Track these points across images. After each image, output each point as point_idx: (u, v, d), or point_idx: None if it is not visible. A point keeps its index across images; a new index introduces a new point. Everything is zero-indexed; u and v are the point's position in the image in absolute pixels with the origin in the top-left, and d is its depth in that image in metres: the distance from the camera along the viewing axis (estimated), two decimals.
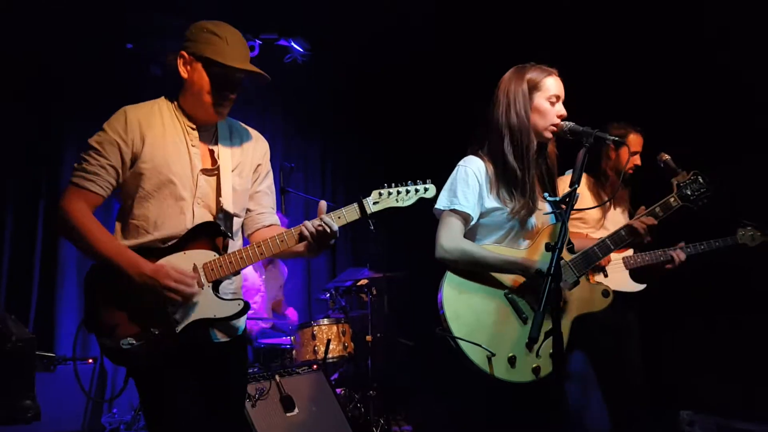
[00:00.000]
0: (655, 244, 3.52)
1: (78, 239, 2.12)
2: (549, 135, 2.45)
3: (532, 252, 2.41)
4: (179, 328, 2.10)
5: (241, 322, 2.33)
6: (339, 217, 2.23)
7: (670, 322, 4.33)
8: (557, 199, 2.21)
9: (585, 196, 3.54)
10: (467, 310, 2.30)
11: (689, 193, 2.86)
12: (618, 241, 2.76)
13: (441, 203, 2.44)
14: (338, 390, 4.56)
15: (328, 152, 6.91)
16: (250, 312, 2.32)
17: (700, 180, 2.87)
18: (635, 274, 3.51)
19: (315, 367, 4.33)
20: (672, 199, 2.88)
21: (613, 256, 3.44)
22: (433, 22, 5.34)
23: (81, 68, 5.29)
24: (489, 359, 2.22)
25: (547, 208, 2.45)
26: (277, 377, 3.93)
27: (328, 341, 4.55)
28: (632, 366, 3.50)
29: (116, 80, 5.45)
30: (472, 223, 2.43)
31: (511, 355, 2.25)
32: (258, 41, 5.61)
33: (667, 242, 3.50)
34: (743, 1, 4.02)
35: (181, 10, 5.22)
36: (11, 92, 5.04)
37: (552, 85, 2.44)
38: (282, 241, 2.19)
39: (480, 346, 2.21)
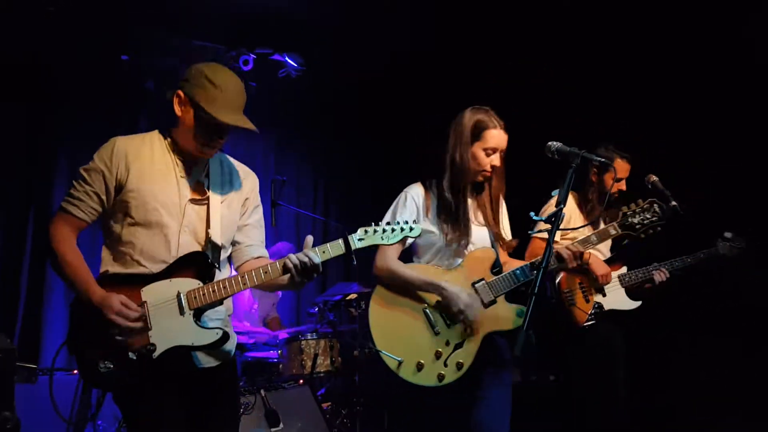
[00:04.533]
0: (647, 260, 3.55)
1: (53, 260, 2.24)
2: (480, 179, 2.74)
3: (459, 272, 2.68)
4: (156, 355, 2.14)
5: (230, 348, 2.35)
6: (323, 252, 2.27)
7: (660, 348, 4.34)
8: (543, 218, 2.23)
9: (575, 215, 3.55)
10: (388, 320, 2.63)
11: (635, 221, 2.71)
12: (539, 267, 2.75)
13: None
14: (325, 405, 4.53)
15: (321, 166, 6.92)
16: (235, 324, 2.33)
17: (656, 208, 2.70)
18: (631, 291, 3.52)
19: (302, 381, 4.31)
20: (611, 228, 2.77)
21: (612, 274, 3.45)
22: (433, 24, 5.28)
23: (78, 73, 5.28)
24: (399, 364, 2.55)
25: (480, 235, 2.73)
26: (262, 391, 3.90)
27: (316, 355, 4.52)
28: (618, 382, 3.51)
29: (113, 87, 5.45)
30: (408, 242, 2.68)
31: (419, 361, 2.56)
32: (252, 55, 5.65)
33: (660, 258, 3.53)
34: None
35: (180, 27, 5.25)
36: (5, 94, 5.02)
37: (492, 138, 2.68)
38: (266, 272, 2.24)
39: (384, 353, 2.55)
